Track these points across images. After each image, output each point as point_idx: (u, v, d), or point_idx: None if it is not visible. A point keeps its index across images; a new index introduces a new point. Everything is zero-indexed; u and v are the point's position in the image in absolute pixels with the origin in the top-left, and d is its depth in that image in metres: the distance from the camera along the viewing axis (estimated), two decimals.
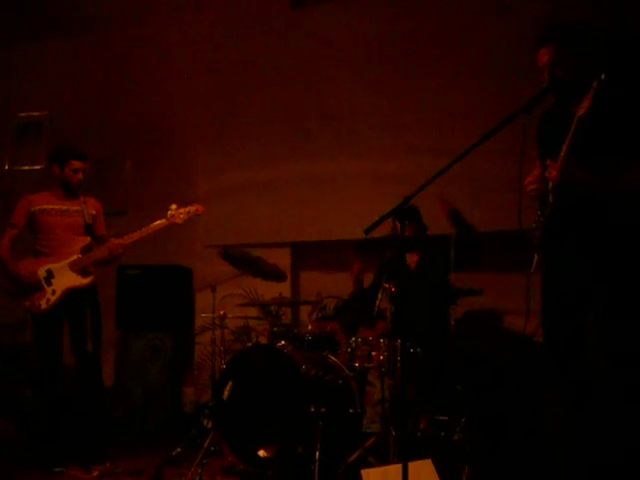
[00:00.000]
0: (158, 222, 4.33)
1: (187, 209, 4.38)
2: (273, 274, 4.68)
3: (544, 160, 2.93)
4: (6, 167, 7.37)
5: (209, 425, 4.33)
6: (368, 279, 4.88)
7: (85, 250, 4.37)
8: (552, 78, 2.87)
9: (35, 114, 7.32)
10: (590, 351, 2.83)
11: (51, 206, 4.43)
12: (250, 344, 5.15)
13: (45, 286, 4.28)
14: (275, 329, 4.51)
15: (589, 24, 3.04)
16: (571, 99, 2.86)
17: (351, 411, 3.95)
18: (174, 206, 4.37)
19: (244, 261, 4.56)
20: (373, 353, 4.00)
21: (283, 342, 4.24)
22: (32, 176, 6.97)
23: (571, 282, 2.88)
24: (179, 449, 4.37)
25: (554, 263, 2.94)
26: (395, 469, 2.93)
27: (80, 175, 4.46)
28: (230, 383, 3.96)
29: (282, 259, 5.69)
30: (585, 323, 2.86)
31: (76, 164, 4.44)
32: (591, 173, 2.75)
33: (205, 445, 4.04)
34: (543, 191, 2.93)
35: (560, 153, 2.76)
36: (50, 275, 4.29)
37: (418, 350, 3.96)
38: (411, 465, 2.57)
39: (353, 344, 4.11)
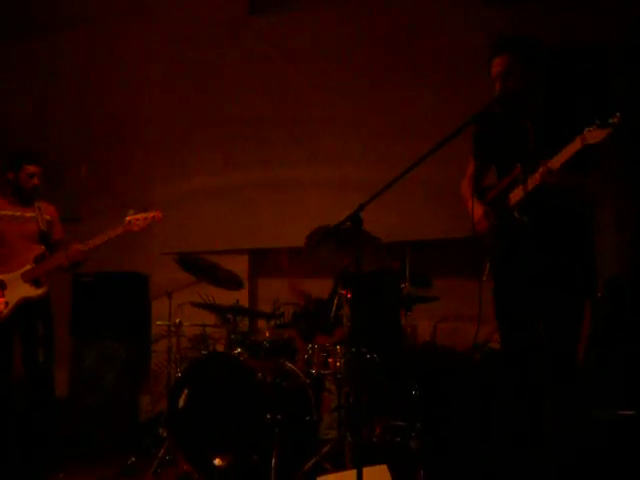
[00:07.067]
0: (114, 228, 4.19)
1: (144, 215, 4.22)
2: (230, 281, 4.64)
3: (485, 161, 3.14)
4: None
5: (164, 434, 4.28)
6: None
7: (38, 260, 4.23)
8: (504, 88, 2.93)
9: None
10: (543, 355, 2.91)
11: (4, 212, 4.28)
12: (206, 352, 5.11)
13: None
14: (232, 337, 4.48)
15: (540, 38, 3.12)
16: (518, 109, 2.93)
17: (307, 418, 3.94)
18: (131, 211, 4.21)
19: (200, 268, 4.52)
20: (329, 360, 4.01)
21: (239, 350, 4.21)
22: None
23: (522, 290, 2.94)
24: (133, 458, 4.32)
25: (506, 271, 2.99)
26: (350, 475, 2.94)
27: (36, 180, 4.31)
28: (185, 391, 3.92)
29: (239, 266, 5.66)
30: (537, 330, 2.94)
31: (31, 169, 4.29)
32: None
33: (160, 454, 4.00)
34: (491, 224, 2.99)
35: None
36: (2, 286, 4.16)
37: (375, 356, 3.97)
38: (366, 471, 2.59)
39: (310, 351, 4.11)
